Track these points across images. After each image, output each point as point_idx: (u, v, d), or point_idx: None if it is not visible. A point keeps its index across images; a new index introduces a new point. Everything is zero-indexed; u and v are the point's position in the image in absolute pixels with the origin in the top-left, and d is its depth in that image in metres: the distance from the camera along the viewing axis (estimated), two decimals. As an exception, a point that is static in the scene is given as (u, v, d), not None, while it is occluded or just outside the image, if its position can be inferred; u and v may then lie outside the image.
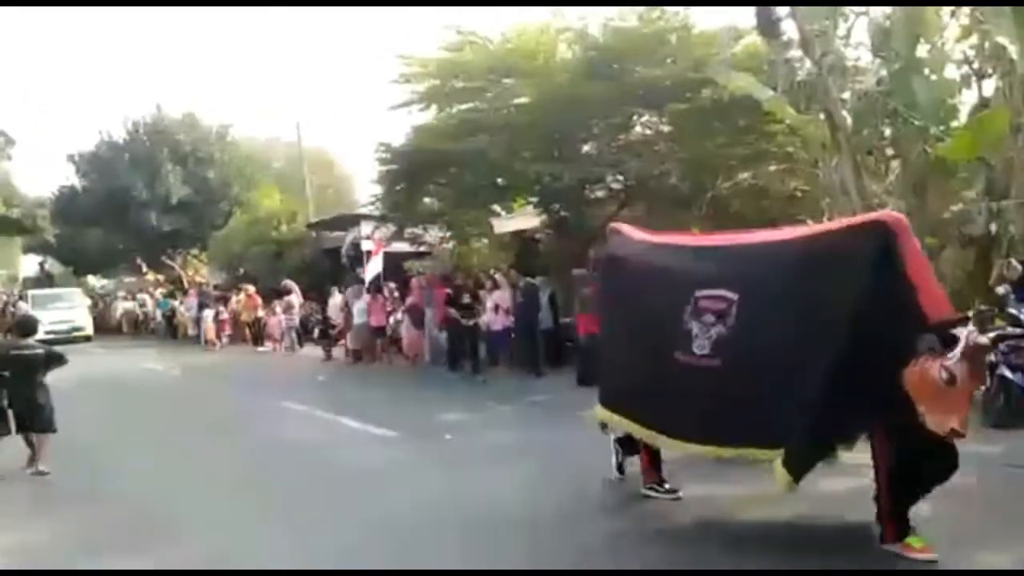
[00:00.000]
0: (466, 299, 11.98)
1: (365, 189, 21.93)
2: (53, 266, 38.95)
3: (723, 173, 10.65)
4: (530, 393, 9.97)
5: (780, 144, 11.20)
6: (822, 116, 8.83)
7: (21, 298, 23.91)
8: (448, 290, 12.74)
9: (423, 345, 13.57)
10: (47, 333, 21.52)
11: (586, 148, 12.87)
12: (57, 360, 7.19)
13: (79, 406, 11.37)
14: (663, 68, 10.92)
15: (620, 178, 12.33)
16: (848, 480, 4.81)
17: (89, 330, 24.10)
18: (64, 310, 23.83)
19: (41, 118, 61.82)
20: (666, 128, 12.49)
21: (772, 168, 10.24)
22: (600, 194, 13.00)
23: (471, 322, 11.92)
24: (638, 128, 12.78)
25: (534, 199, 13.91)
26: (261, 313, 19.08)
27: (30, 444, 6.85)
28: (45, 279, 35.65)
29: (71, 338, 22.80)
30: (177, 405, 11.33)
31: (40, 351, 7.10)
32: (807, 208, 11.03)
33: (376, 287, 14.73)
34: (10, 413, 6.69)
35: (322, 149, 40.62)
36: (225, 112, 72.41)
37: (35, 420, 6.79)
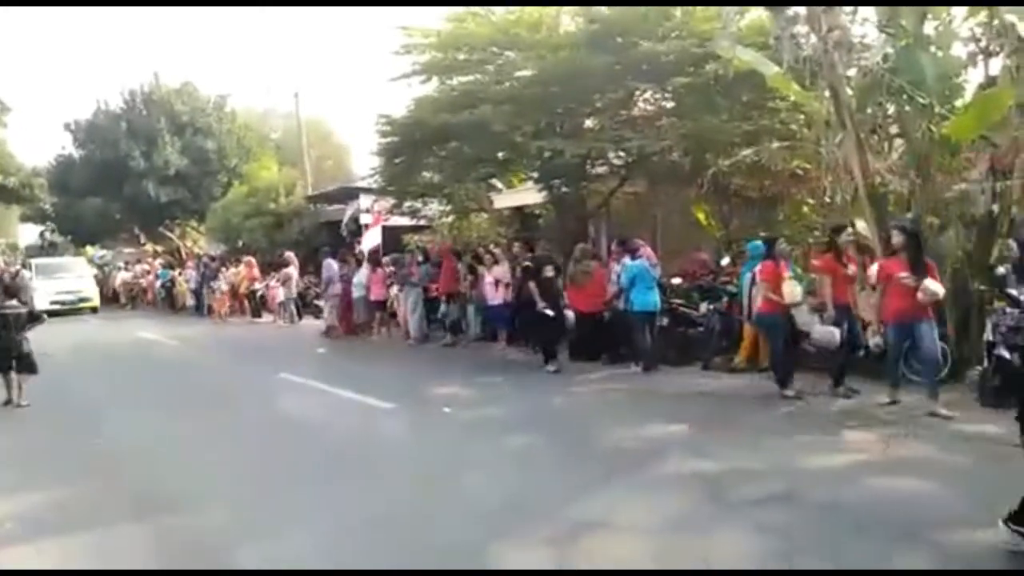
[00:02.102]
0: (548, 271, 10.18)
1: (364, 160, 21.84)
2: (49, 235, 38.80)
3: (725, 150, 10.55)
4: (529, 367, 10.01)
5: (783, 121, 11.09)
6: (827, 93, 8.73)
7: (24, 266, 23.76)
8: (457, 263, 12.77)
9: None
10: (52, 303, 21.51)
11: (588, 123, 12.75)
12: (36, 319, 9.08)
13: (78, 375, 11.48)
14: (667, 43, 10.77)
15: (621, 154, 12.22)
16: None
17: (96, 301, 24.01)
18: (70, 280, 23.74)
19: (37, 85, 61.17)
20: (669, 103, 12.37)
21: (775, 145, 10.13)
22: (601, 170, 12.90)
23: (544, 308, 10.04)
24: (640, 103, 12.65)
25: (535, 174, 13.82)
26: (259, 285, 19.06)
27: (8, 386, 8.65)
28: (48, 247, 35.51)
29: (77, 308, 22.82)
30: (175, 375, 11.37)
31: (22, 310, 8.82)
32: (809, 187, 10.98)
33: (375, 260, 14.70)
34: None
35: (321, 120, 40.31)
36: (223, 82, 71.77)
37: (21, 363, 8.62)
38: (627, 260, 9.78)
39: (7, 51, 62.19)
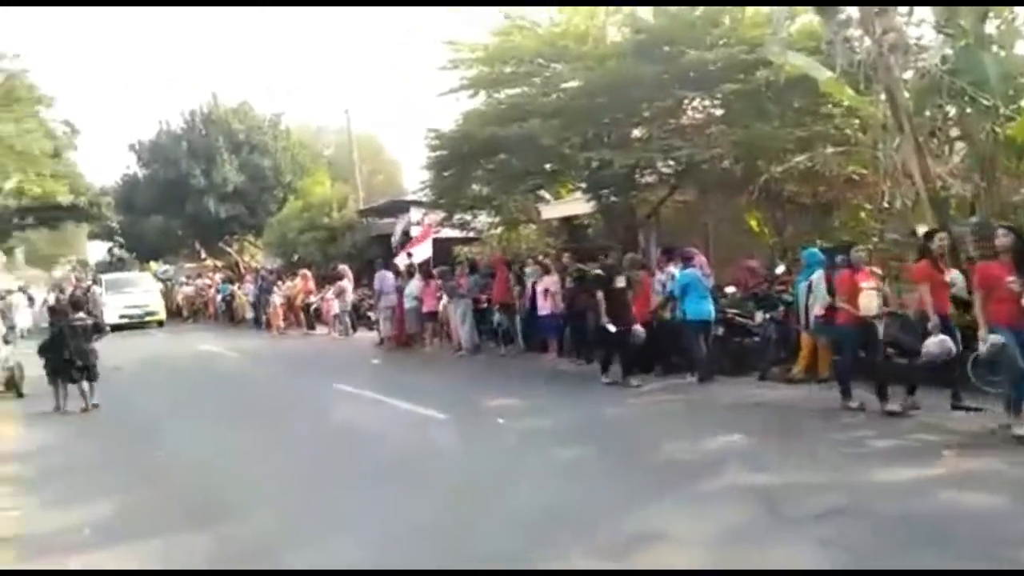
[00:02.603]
0: (620, 282, 9.54)
1: (414, 174, 22.19)
2: (119, 252, 40.49)
3: (777, 156, 10.40)
4: (579, 378, 10.01)
5: (838, 126, 10.89)
6: (882, 96, 8.55)
7: (95, 282, 24.76)
8: (508, 273, 12.83)
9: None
10: (121, 317, 22.36)
11: (636, 132, 12.73)
12: (100, 330, 10.48)
13: (143, 387, 11.98)
14: (715, 50, 10.70)
15: (671, 162, 12.16)
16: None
17: (162, 315, 24.61)
18: (137, 294, 24.39)
19: (104, 107, 64.04)
20: (718, 111, 12.27)
21: (829, 151, 9.94)
22: (650, 179, 12.85)
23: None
24: (689, 111, 12.58)
25: (583, 184, 13.85)
26: (314, 297, 19.51)
27: (82, 393, 9.66)
28: (117, 263, 36.88)
29: (145, 322, 23.54)
30: (234, 387, 11.74)
31: (89, 321, 10.06)
32: (866, 192, 10.72)
33: (426, 272, 14.91)
34: (71, 370, 9.60)
35: (371, 135, 41.06)
36: (277, 100, 73.80)
37: (90, 370, 9.70)
38: (673, 269, 9.71)
39: (74, 74, 65.33)
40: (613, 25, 12.67)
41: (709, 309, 9.20)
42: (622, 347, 9.27)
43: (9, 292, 17.64)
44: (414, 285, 14.59)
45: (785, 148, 10.31)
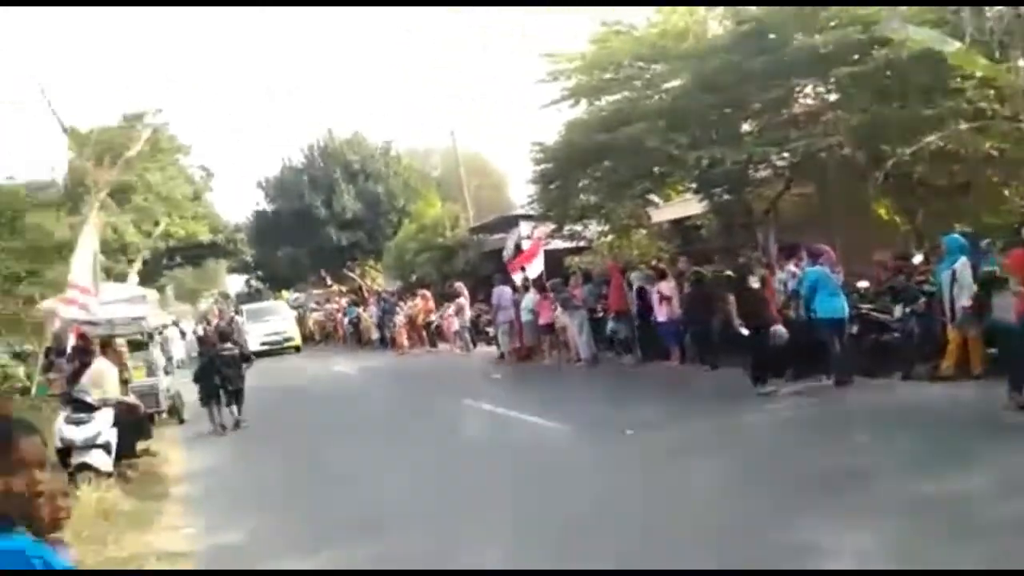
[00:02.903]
0: (754, 281, 9.00)
1: (521, 188, 22.52)
2: (248, 284, 43.55)
3: (903, 138, 9.74)
4: (708, 386, 9.77)
5: (970, 99, 10.07)
6: (1021, 63, 7.87)
7: (237, 313, 26.63)
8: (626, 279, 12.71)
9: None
10: (262, 344, 23.90)
11: (746, 126, 12.35)
12: (247, 359, 11.46)
13: (288, 406, 12.86)
14: (825, 33, 10.22)
15: (785, 155, 11.70)
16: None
17: (298, 340, 26.01)
18: (276, 322, 25.95)
19: (232, 148, 69.29)
20: (832, 96, 11.70)
21: (963, 127, 9.22)
22: (764, 173, 12.41)
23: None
24: (801, 100, 12.06)
25: (693, 185, 13.57)
26: (435, 316, 20.16)
27: (231, 412, 10.75)
28: (255, 294, 39.51)
29: (283, 348, 25.03)
30: (370, 403, 12.36)
31: (236, 351, 11.12)
32: (1007, 169, 9.87)
33: (540, 286, 15.08)
34: (221, 392, 10.68)
35: (477, 153, 42.01)
36: (385, 126, 76.99)
37: (239, 395, 10.84)
38: (793, 267, 9.29)
39: (205, 122, 71.04)
40: (714, 19, 12.40)
41: (842, 306, 8.70)
42: (758, 351, 8.81)
43: (165, 327, 19.39)
44: (530, 299, 14.79)
45: (911, 128, 9.66)
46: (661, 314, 11.82)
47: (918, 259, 9.44)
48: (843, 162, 11.03)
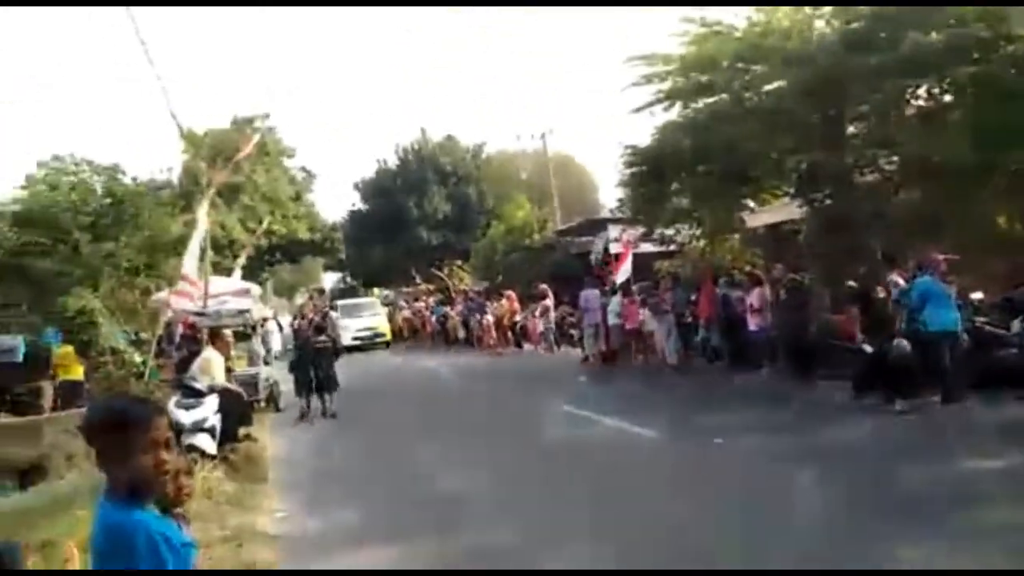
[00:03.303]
0: (880, 292, 8.80)
1: (610, 192, 22.37)
2: (341, 280, 45.07)
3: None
4: (802, 398, 9.39)
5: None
6: None
7: (332, 308, 27.60)
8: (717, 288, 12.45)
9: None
10: (354, 339, 24.72)
11: (851, 129, 11.80)
12: (338, 352, 12.03)
13: (377, 400, 13.25)
14: (944, 31, 9.62)
15: (894, 158, 11.10)
16: None
17: (388, 336, 26.72)
18: (367, 318, 26.71)
19: (331, 150, 72.17)
20: (948, 97, 11.00)
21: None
22: (871, 178, 11.81)
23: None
24: (913, 101, 11.40)
25: (791, 189, 13.07)
26: (520, 316, 20.27)
27: (323, 401, 11.34)
28: (348, 290, 40.90)
29: (374, 344, 25.82)
30: (453, 403, 12.55)
31: (329, 344, 11.65)
32: None
33: (627, 289, 14.90)
34: (314, 383, 11.31)
35: (566, 155, 41.97)
36: (477, 128, 78.08)
37: (331, 385, 11.38)
38: (897, 278, 8.77)
39: (306, 124, 74.14)
40: (820, 18, 11.90)
41: (954, 318, 8.14)
42: (880, 366, 8.30)
43: (266, 320, 20.34)
44: (616, 302, 14.65)
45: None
46: (752, 323, 11.46)
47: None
48: (958, 166, 10.35)
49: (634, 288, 14.97)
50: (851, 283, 9.14)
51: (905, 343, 8.09)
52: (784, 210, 13.99)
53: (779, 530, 4.88)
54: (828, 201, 12.11)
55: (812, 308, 10.90)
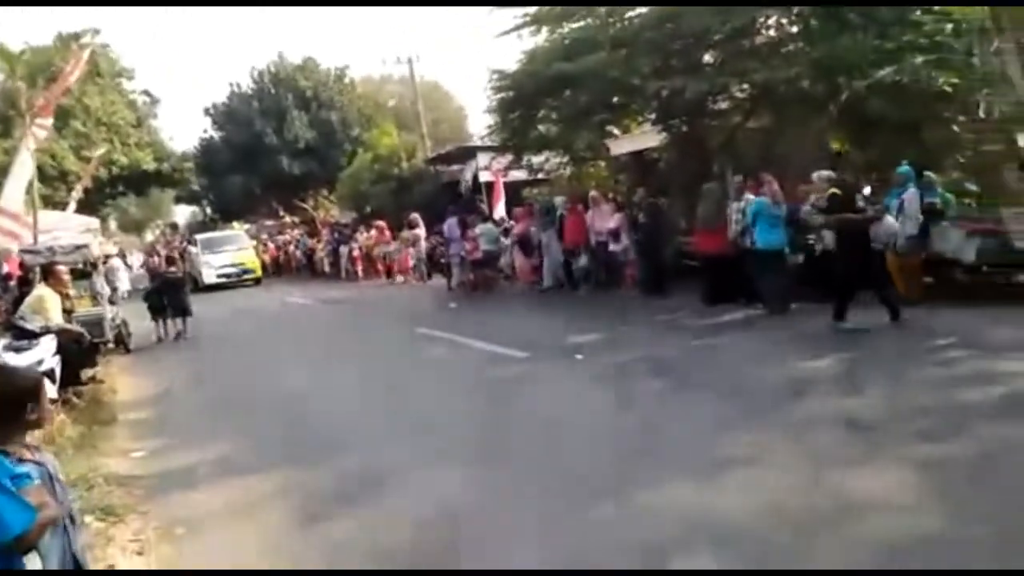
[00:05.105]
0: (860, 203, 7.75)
1: (479, 120, 22.10)
2: (198, 214, 42.13)
3: (860, 71, 9.77)
4: (657, 313, 9.97)
5: (928, 34, 10.12)
6: (979, -4, 7.90)
7: (190, 243, 25.58)
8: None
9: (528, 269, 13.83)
10: (219, 276, 22.94)
11: (707, 57, 12.23)
12: (196, 282, 13.30)
13: (244, 334, 12.72)
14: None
15: (745, 86, 11.66)
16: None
17: (258, 272, 24.39)
18: (232, 252, 24.20)
19: (177, 74, 66.02)
20: (794, 28, 11.62)
21: (919, 60, 9.27)
22: (724, 105, 12.38)
23: None
24: (763, 31, 11.96)
25: (652, 116, 13.48)
26: (391, 247, 19.95)
27: (176, 326, 12.51)
28: (209, 223, 37.87)
29: (242, 280, 23.59)
30: (324, 333, 12.26)
31: (180, 274, 12.81)
32: (957, 105, 10.02)
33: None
34: (168, 310, 12.46)
35: (435, 83, 40.91)
36: (340, 53, 74.03)
37: (183, 311, 12.50)
38: (751, 195, 9.40)
39: (148, 47, 67.28)
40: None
41: (780, 238, 8.88)
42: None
43: (109, 256, 18.74)
44: (486, 229, 14.72)
45: (869, 61, 9.69)
46: (614, 246, 11.95)
47: (867, 191, 9.63)
48: (801, 95, 11.05)
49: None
50: (834, 190, 7.80)
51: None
52: (646, 138, 14.44)
53: (630, 424, 5.22)
54: (685, 128, 12.62)
55: (667, 229, 11.46)
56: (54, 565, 2.35)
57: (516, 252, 14.45)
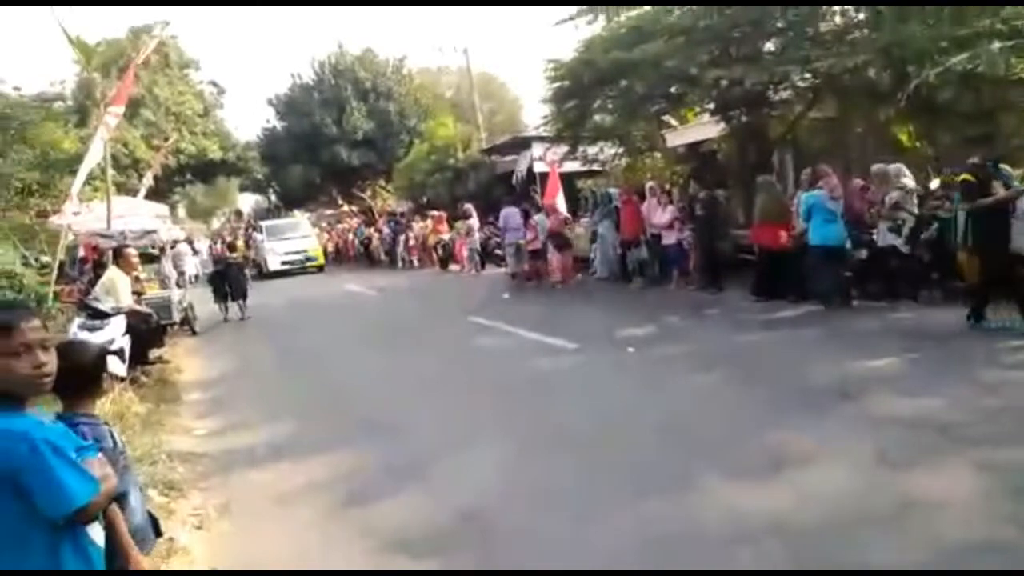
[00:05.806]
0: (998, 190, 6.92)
1: (534, 110, 22.04)
2: (262, 202, 43.35)
3: (931, 59, 9.34)
4: (711, 306, 9.82)
5: (1006, 19, 9.60)
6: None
7: (255, 229, 26.23)
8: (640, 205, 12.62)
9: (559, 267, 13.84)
10: (283, 264, 23.49)
11: (768, 45, 11.90)
12: (259, 267, 16.96)
13: (304, 321, 13.09)
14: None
15: (807, 76, 11.31)
16: None
17: (321, 259, 24.72)
18: (296, 240, 24.55)
19: (242, 64, 67.84)
20: (861, 15, 11.19)
21: (995, 46, 8.80)
22: (785, 95, 12.04)
23: None
24: (827, 19, 11.56)
25: (710, 106, 13.20)
26: (446, 237, 20.14)
27: (240, 308, 13.70)
28: (274, 210, 38.99)
29: (305, 268, 23.97)
30: (378, 320, 12.50)
31: (240, 259, 14.19)
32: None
33: (553, 207, 14.90)
34: (229, 293, 13.64)
35: (491, 75, 41.01)
36: (399, 44, 74.88)
37: (244, 295, 13.69)
38: (801, 192, 9.17)
39: (214, 38, 69.33)
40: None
41: (837, 233, 8.63)
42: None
43: (177, 242, 19.49)
44: (540, 219, 14.69)
45: (941, 48, 9.25)
46: (669, 237, 11.79)
47: (935, 185, 9.25)
48: (867, 85, 10.66)
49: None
50: (966, 175, 7.41)
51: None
52: (704, 128, 14.17)
53: (685, 419, 5.17)
54: (744, 119, 12.32)
55: (724, 222, 11.26)
56: (138, 520, 2.59)
57: (550, 249, 14.27)
